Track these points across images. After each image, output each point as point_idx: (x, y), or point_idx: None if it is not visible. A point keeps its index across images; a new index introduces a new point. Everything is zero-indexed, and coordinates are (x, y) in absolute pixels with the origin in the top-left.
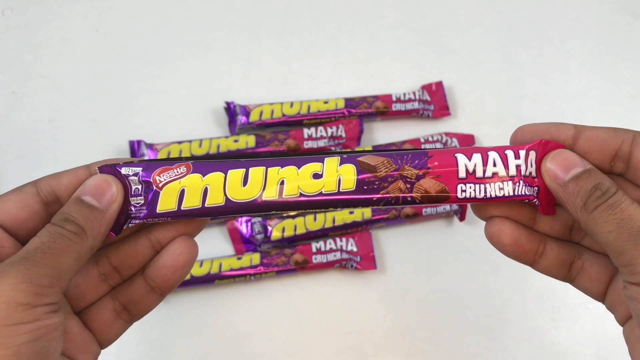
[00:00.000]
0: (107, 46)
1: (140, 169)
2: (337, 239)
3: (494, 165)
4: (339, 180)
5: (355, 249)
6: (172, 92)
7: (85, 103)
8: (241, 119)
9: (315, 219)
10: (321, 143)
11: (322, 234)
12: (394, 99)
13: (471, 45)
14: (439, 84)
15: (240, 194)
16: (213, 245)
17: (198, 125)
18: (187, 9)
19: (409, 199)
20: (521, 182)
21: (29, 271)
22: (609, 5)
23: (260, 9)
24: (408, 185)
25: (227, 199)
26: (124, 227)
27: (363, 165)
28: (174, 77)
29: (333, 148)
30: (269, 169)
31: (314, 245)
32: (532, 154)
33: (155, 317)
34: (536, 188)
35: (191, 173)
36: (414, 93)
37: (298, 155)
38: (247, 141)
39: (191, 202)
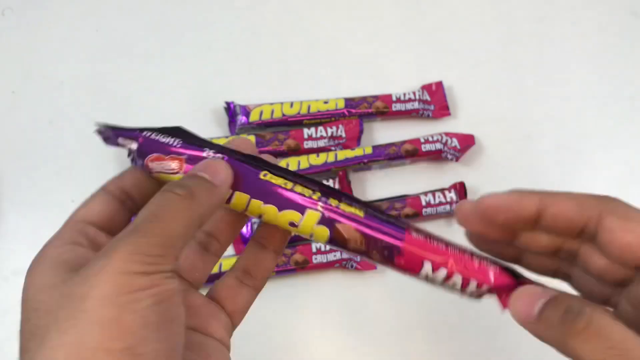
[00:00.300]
0: (107, 46)
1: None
2: None
3: (454, 285)
4: (311, 235)
5: None
6: (172, 92)
7: (85, 103)
8: (241, 119)
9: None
10: (321, 143)
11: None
12: (394, 99)
13: (471, 45)
14: (439, 84)
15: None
16: None
17: (198, 125)
18: (187, 9)
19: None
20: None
21: (138, 242)
22: (609, 5)
23: (260, 8)
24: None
25: None
26: None
27: (336, 234)
28: (174, 77)
29: (333, 148)
30: (252, 199)
31: (314, 245)
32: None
33: None
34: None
35: (182, 173)
36: (414, 93)
37: (286, 184)
38: None
39: None
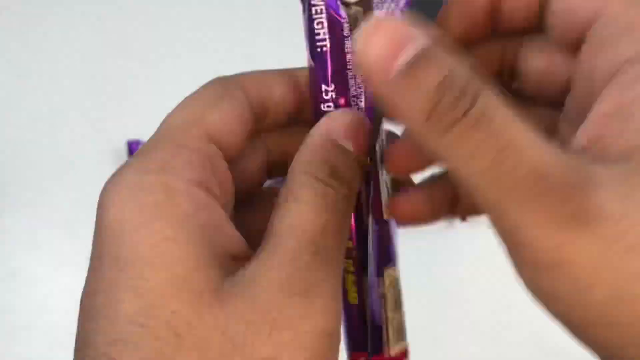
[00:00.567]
0: (107, 46)
1: None
2: None
3: None
4: None
5: None
6: (172, 92)
7: (85, 103)
8: None
9: None
10: None
11: None
12: None
13: None
14: None
15: None
16: None
17: None
18: (187, 9)
19: None
20: None
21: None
22: None
23: (260, 8)
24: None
25: None
26: None
27: None
28: (173, 77)
29: None
30: None
31: None
32: None
33: None
34: None
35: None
36: None
37: None
38: None
39: None
